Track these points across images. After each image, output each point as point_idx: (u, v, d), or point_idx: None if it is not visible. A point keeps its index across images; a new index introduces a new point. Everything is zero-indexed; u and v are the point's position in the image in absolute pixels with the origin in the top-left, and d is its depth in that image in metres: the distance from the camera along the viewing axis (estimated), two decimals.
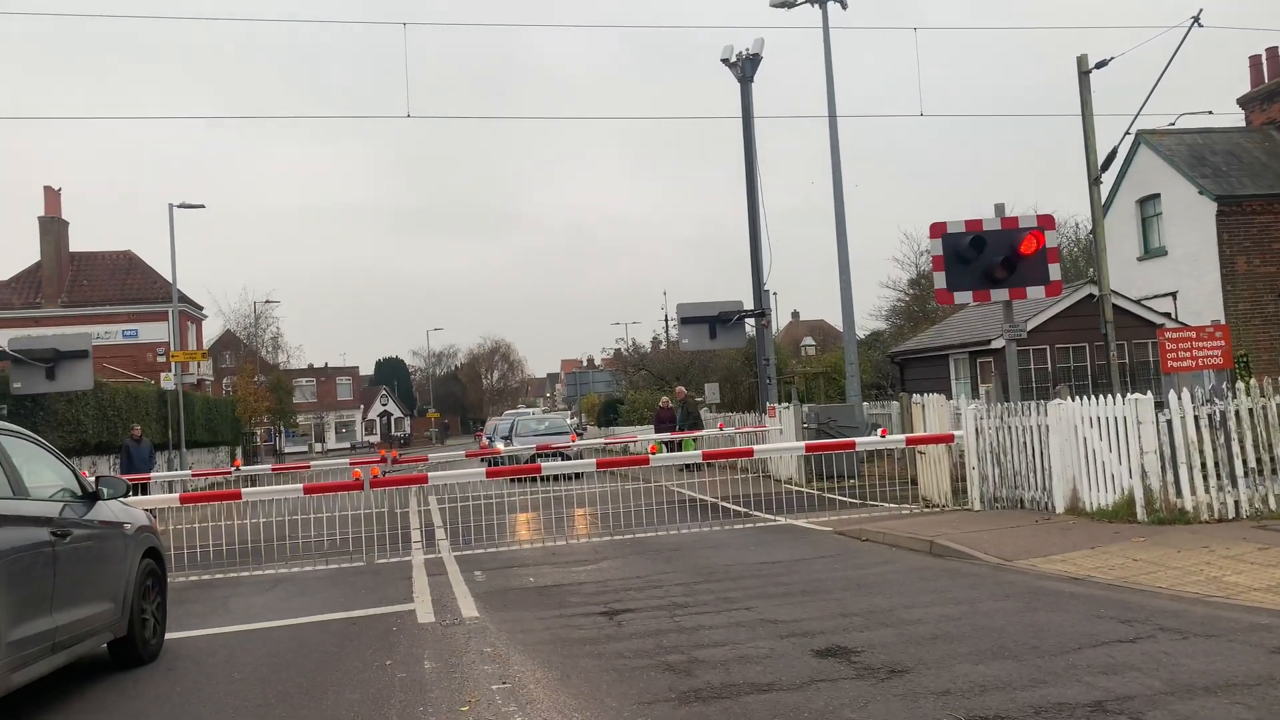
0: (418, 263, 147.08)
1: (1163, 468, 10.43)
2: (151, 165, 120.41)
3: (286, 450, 65.52)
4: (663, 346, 51.07)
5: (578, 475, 16.67)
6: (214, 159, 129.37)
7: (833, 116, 22.33)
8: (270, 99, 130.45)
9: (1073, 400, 11.74)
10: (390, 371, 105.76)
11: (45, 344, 19.66)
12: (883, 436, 14.56)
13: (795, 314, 75.91)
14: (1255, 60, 26.70)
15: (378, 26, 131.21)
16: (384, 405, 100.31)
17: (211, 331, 57.11)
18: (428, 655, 7.07)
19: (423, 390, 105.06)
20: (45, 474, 6.84)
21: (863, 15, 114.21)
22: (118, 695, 6.61)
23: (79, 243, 43.68)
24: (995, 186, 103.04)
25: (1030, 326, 19.81)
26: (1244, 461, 10.45)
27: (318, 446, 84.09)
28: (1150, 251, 26.11)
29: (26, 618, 5.71)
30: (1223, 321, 20.63)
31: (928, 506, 13.87)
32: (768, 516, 14.17)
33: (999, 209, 14.11)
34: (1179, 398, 10.56)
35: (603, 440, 29.92)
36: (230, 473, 21.31)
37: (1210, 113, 20.61)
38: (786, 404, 20.55)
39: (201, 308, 48.91)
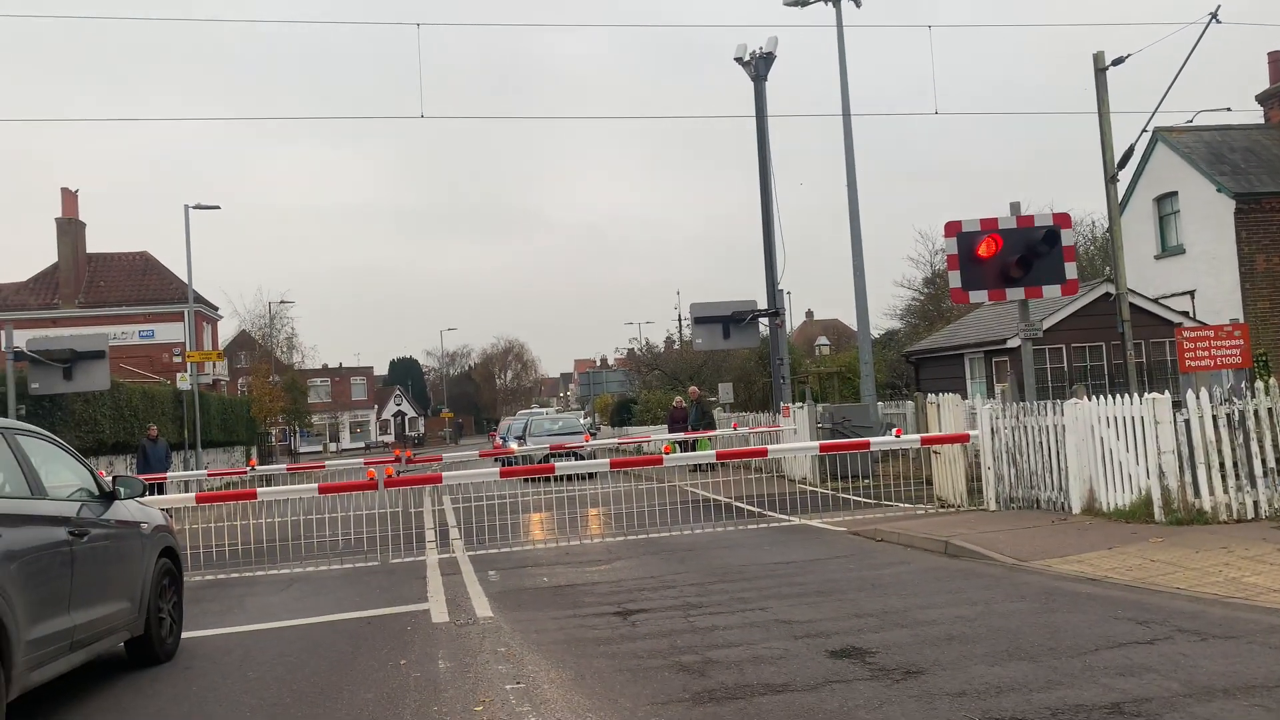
0: (432, 262, 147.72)
1: (1180, 468, 10.36)
2: (168, 167, 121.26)
3: (301, 450, 65.89)
4: (676, 346, 51.10)
5: (591, 475, 16.68)
6: (229, 160, 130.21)
7: (847, 115, 22.27)
8: (285, 101, 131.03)
9: (1089, 400, 11.67)
10: (404, 371, 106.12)
11: (63, 345, 19.77)
12: (897, 436, 14.51)
13: (809, 313, 75.85)
14: (1275, 56, 26.46)
15: (391, 27, 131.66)
16: (398, 405, 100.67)
17: (227, 332, 57.44)
18: (442, 655, 7.08)
19: (437, 390, 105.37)
20: (63, 474, 6.89)
21: (877, 13, 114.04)
22: (135, 694, 6.65)
23: (96, 244, 44.06)
24: (1011, 185, 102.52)
25: (1046, 325, 19.71)
26: (1263, 461, 10.37)
27: (332, 446, 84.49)
28: (1168, 250, 25.92)
29: (45, 616, 5.74)
30: (1241, 320, 20.48)
31: (943, 506, 13.82)
32: (782, 517, 14.13)
33: (1014, 207, 14.04)
34: (1197, 397, 10.48)
35: (616, 440, 29.93)
36: (245, 472, 21.41)
37: (1229, 110, 20.52)
38: (800, 404, 20.51)
39: (217, 308, 49.18)
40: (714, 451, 15.88)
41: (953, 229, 13.32)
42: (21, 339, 20.22)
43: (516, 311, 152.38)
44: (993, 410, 13.23)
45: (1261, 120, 26.84)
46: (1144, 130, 18.13)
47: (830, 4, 22.28)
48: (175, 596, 7.91)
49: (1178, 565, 8.32)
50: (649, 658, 6.60)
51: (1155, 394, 10.79)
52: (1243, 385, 11.46)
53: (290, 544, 13.28)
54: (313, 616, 8.99)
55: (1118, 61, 16.79)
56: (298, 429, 65.91)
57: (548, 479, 15.63)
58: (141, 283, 43.16)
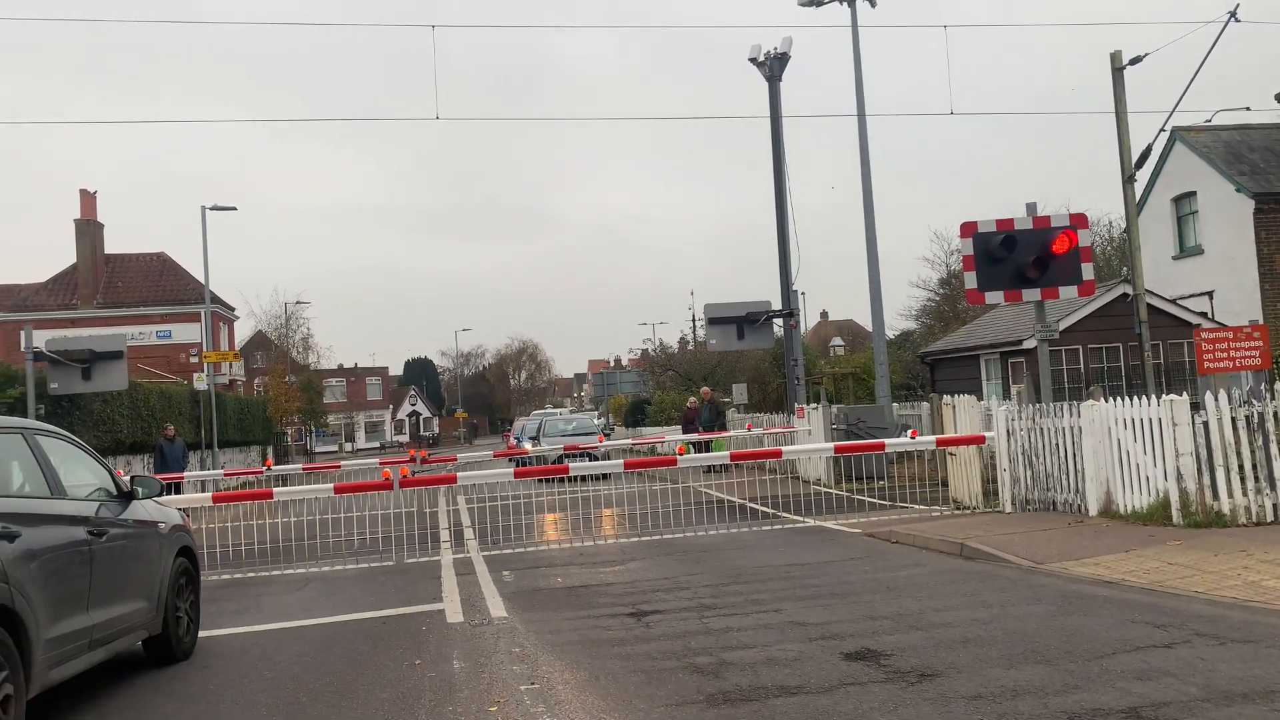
0: (446, 263, 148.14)
1: (1199, 470, 10.28)
2: (183, 168, 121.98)
3: (317, 450, 66.18)
4: (690, 347, 51.09)
5: (605, 476, 16.69)
6: (244, 162, 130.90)
7: (861, 115, 22.23)
8: (301, 102, 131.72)
9: (1106, 401, 11.60)
10: (419, 372, 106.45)
11: (81, 345, 19.93)
12: (913, 438, 14.46)
13: (824, 314, 75.63)
14: None
15: (407, 29, 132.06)
16: (413, 405, 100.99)
17: (243, 332, 57.77)
18: (457, 655, 7.10)
19: (451, 390, 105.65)
20: (82, 473, 6.94)
21: (892, 13, 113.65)
22: (153, 693, 6.69)
23: (114, 245, 44.41)
24: (1027, 185, 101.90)
25: (1063, 326, 19.60)
26: None
27: (347, 446, 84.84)
28: (1186, 250, 25.73)
29: (64, 615, 5.79)
30: (1261, 321, 20.26)
31: (958, 508, 13.76)
32: (796, 518, 14.11)
33: (1030, 208, 13.98)
34: (1215, 399, 10.40)
35: (630, 441, 29.94)
36: (262, 472, 21.51)
37: (1248, 109, 20.38)
38: (815, 405, 20.46)
39: (233, 309, 49.47)
40: (728, 452, 15.88)
41: (968, 229, 13.27)
42: (40, 339, 20.42)
43: (531, 312, 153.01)
44: (1008, 412, 13.17)
45: None
46: (1162, 129, 18.07)
47: (845, 4, 22.26)
48: (192, 596, 7.96)
49: (1196, 568, 8.26)
50: (663, 659, 6.60)
51: (1173, 396, 10.72)
52: (1262, 387, 11.36)
53: (306, 544, 13.34)
54: (328, 616, 9.03)
55: (1135, 61, 16.70)
56: (313, 429, 66.15)
57: (562, 480, 15.66)
58: (159, 283, 43.48)
